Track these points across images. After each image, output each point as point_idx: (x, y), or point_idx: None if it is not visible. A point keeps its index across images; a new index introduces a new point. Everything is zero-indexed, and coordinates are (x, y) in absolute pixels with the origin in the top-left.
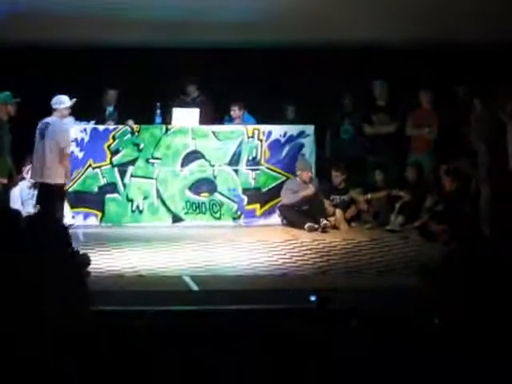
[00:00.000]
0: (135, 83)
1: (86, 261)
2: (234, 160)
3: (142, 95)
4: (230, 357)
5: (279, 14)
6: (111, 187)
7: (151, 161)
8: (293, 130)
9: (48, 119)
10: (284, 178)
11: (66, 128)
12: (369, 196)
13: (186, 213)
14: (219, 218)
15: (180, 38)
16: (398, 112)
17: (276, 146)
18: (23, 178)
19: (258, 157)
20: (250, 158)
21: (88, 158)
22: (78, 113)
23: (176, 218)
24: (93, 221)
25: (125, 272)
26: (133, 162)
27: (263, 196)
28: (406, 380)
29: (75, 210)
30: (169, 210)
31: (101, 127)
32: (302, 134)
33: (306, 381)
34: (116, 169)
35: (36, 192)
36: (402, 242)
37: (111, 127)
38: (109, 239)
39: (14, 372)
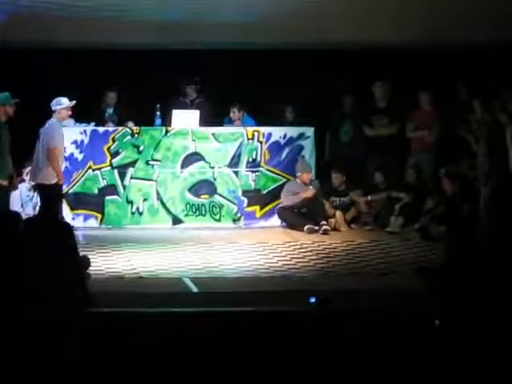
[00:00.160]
0: (135, 85)
1: (86, 263)
2: (234, 162)
3: (141, 97)
4: (229, 358)
5: (279, 15)
6: (111, 189)
7: (151, 163)
8: (293, 131)
9: (48, 121)
10: (284, 180)
11: (57, 129)
12: (369, 198)
13: (186, 215)
14: (219, 220)
15: (179, 40)
16: (398, 114)
17: (276, 147)
18: (23, 180)
19: (258, 158)
20: (250, 159)
21: (88, 159)
22: (78, 115)
23: (176, 220)
24: (93, 223)
25: (125, 274)
26: (133, 163)
27: (263, 198)
28: (406, 380)
29: (75, 211)
30: (169, 211)
31: (100, 129)
32: (301, 135)
33: (306, 381)
34: (116, 171)
35: (35, 194)
36: (401, 244)
37: (111, 129)
38: (109, 241)
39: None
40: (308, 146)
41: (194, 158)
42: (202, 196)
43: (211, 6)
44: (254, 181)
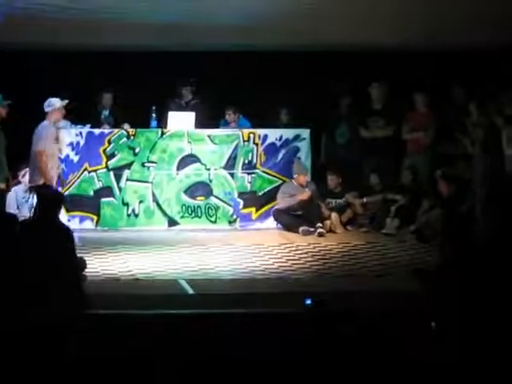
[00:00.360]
0: (131, 87)
1: (82, 264)
2: (230, 164)
3: (137, 99)
4: (225, 360)
5: (275, 17)
6: (107, 191)
7: (147, 164)
8: (288, 133)
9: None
10: (280, 182)
11: (45, 131)
12: (365, 199)
13: (182, 216)
14: (215, 222)
15: (176, 42)
16: (394, 115)
17: (272, 149)
18: (19, 182)
19: (254, 160)
20: (246, 161)
21: (84, 161)
22: (74, 116)
23: (172, 222)
24: (88, 224)
25: (121, 276)
26: (128, 165)
27: (259, 200)
28: (402, 382)
29: (71, 213)
30: (164, 213)
31: (96, 131)
32: (297, 137)
33: (302, 382)
34: (112, 172)
35: (31, 195)
36: (397, 246)
37: (107, 131)
38: (105, 243)
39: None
40: (304, 148)
41: (189, 159)
42: (198, 198)
43: (207, 8)
44: (250, 183)
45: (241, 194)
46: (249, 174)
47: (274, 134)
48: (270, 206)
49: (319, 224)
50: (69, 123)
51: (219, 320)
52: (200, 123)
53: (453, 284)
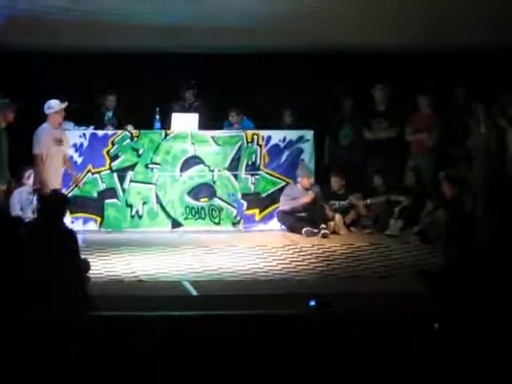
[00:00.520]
0: (134, 88)
1: (85, 266)
2: (234, 165)
3: (141, 100)
4: (229, 361)
5: (278, 18)
6: (110, 192)
7: (150, 166)
8: (292, 134)
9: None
10: (283, 183)
11: (43, 134)
12: (368, 201)
13: (186, 218)
14: (218, 223)
15: (179, 44)
16: (397, 117)
17: (275, 151)
18: (22, 184)
19: (258, 162)
20: (250, 162)
21: (87, 163)
22: (78, 118)
23: (175, 223)
24: (92, 226)
25: (124, 277)
26: (132, 167)
27: (262, 201)
28: (407, 382)
29: (74, 215)
30: (168, 215)
31: (100, 132)
32: (301, 138)
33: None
34: (115, 174)
35: (35, 197)
36: (401, 247)
37: (110, 132)
38: (108, 244)
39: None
40: (307, 150)
41: (193, 161)
42: (202, 199)
43: (211, 9)
44: (254, 184)
45: (244, 196)
46: (252, 175)
47: (277, 136)
48: (273, 207)
49: (323, 225)
50: (72, 124)
51: (223, 321)
52: (203, 124)
53: (456, 285)
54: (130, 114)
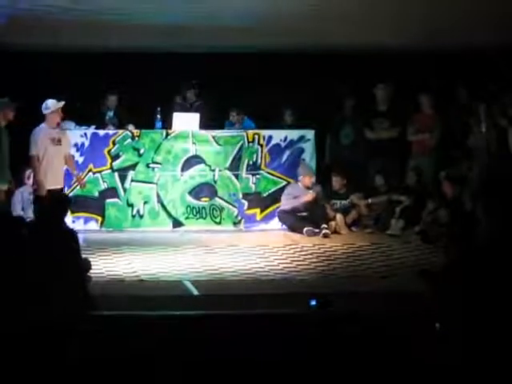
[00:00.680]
0: (135, 88)
1: (86, 265)
2: (235, 165)
3: (142, 100)
4: (230, 361)
5: (279, 18)
6: (112, 192)
7: (151, 165)
8: (293, 134)
9: None
10: (284, 183)
11: (38, 135)
12: (369, 201)
13: (187, 217)
14: (220, 223)
15: (180, 43)
16: (399, 117)
17: (276, 150)
18: (24, 184)
19: (259, 161)
20: (251, 162)
21: (88, 162)
22: (79, 117)
23: (176, 223)
24: (93, 225)
25: (125, 277)
26: (133, 166)
27: (263, 201)
28: (408, 382)
29: (76, 214)
30: (169, 214)
31: (101, 132)
32: (302, 138)
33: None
34: (116, 173)
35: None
36: (402, 247)
37: (111, 132)
38: (109, 244)
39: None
40: (308, 149)
41: (194, 160)
42: (203, 199)
43: (212, 9)
44: (255, 183)
45: (245, 195)
46: (253, 175)
47: (278, 135)
48: (274, 207)
49: (324, 225)
50: (73, 124)
51: (224, 321)
52: (204, 124)
53: (458, 285)
54: (130, 114)
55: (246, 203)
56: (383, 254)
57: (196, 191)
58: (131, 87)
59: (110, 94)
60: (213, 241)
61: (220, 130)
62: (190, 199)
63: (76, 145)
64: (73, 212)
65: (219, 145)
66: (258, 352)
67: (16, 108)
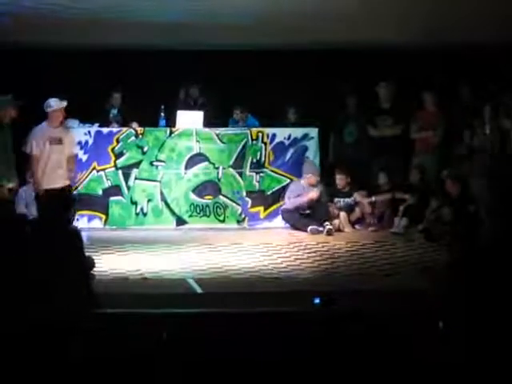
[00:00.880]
0: (139, 86)
1: (90, 263)
2: (238, 163)
3: (146, 98)
4: (233, 359)
5: (283, 15)
6: (115, 190)
7: (155, 163)
8: (297, 132)
9: None
10: (288, 181)
11: (36, 133)
12: (373, 199)
13: (190, 215)
14: (223, 221)
15: (183, 41)
16: (402, 114)
17: (280, 148)
18: (28, 182)
19: (262, 159)
20: (254, 160)
21: (92, 160)
22: (83, 115)
23: (180, 221)
24: (97, 223)
25: (129, 275)
26: (137, 164)
27: (267, 199)
28: (410, 381)
29: (79, 212)
30: (173, 212)
31: (105, 130)
32: (306, 136)
33: (310, 382)
34: (120, 171)
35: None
36: (406, 245)
37: (115, 130)
38: (113, 242)
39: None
40: (312, 147)
41: (198, 158)
42: (206, 197)
43: (214, 7)
44: (259, 182)
45: (249, 193)
46: (257, 173)
47: (282, 133)
48: (278, 205)
49: (327, 223)
50: (77, 122)
51: (227, 319)
52: (208, 122)
53: (461, 283)
54: (134, 112)
55: (249, 201)
56: (387, 252)
57: (200, 189)
58: (135, 85)
59: (114, 91)
60: (216, 239)
61: (224, 128)
62: (193, 197)
63: (80, 143)
64: (76, 210)
65: (223, 143)
66: (261, 350)
67: (19, 106)
